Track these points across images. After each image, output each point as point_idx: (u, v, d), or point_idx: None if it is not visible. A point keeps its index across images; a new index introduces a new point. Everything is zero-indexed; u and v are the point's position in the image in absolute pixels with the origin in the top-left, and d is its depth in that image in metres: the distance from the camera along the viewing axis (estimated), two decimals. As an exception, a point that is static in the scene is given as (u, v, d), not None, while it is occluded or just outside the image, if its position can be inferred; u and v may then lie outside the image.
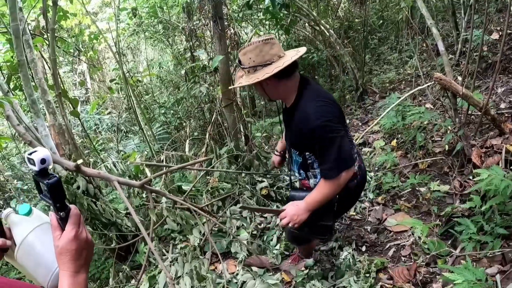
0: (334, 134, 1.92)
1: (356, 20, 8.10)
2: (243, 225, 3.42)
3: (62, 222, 0.99)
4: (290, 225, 2.13)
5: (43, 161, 0.96)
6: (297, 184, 2.66)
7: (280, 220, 2.18)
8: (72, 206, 1.01)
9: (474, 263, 2.38)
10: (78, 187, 3.29)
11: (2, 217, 1.15)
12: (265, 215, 3.54)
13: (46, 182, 0.96)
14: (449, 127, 3.74)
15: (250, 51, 1.99)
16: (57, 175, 0.98)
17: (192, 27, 5.70)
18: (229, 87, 3.10)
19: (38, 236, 1.05)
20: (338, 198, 2.15)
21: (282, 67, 1.92)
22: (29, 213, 1.07)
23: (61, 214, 0.98)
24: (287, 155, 2.60)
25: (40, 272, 1.04)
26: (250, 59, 1.99)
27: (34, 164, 0.95)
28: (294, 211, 2.12)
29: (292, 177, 2.58)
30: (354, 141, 2.46)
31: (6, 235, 1.11)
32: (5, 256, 1.13)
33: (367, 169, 3.94)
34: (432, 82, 3.63)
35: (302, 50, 2.05)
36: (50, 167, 0.99)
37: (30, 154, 0.96)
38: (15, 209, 1.11)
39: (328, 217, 2.20)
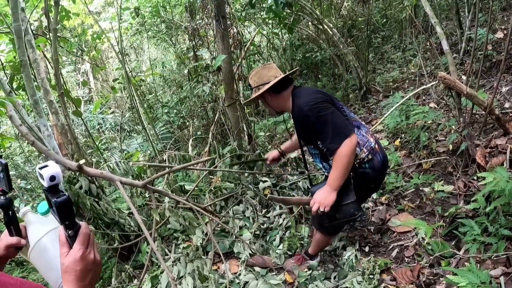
0: (323, 113, 2.21)
1: (360, 18, 8.07)
2: (245, 224, 3.41)
3: (71, 240, 0.96)
4: (320, 209, 2.26)
5: (52, 178, 0.93)
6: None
7: (311, 207, 2.32)
8: (82, 224, 0.98)
9: (478, 265, 2.35)
10: (81, 187, 3.29)
11: (20, 215, 1.15)
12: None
13: (54, 201, 0.93)
14: (453, 127, 3.72)
15: (254, 75, 2.56)
16: (66, 194, 0.95)
17: (195, 26, 5.69)
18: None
19: (52, 240, 1.04)
20: (354, 181, 2.35)
21: (272, 83, 2.44)
22: (46, 212, 1.06)
23: (69, 232, 0.95)
24: (300, 155, 2.98)
25: (51, 276, 1.04)
26: (254, 81, 2.55)
27: (43, 179, 0.93)
28: (321, 195, 2.28)
29: (318, 173, 2.90)
30: (363, 124, 2.54)
31: (22, 233, 1.12)
32: (20, 252, 1.14)
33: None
34: (436, 82, 3.61)
35: (295, 70, 2.75)
36: (61, 182, 0.96)
37: (41, 168, 0.93)
38: (33, 208, 1.10)
39: (347, 195, 2.34)
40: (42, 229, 1.01)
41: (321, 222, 2.56)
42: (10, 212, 1.09)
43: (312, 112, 2.22)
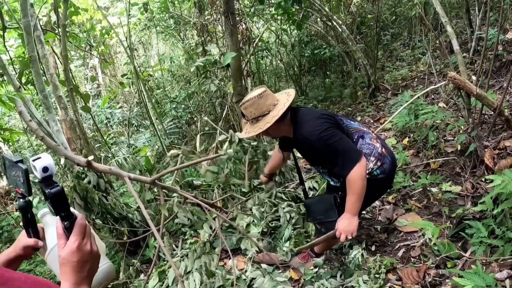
0: (331, 141, 2.17)
1: (369, 15, 8.03)
2: (253, 221, 3.41)
3: (68, 232, 0.96)
4: (348, 237, 2.28)
5: (45, 169, 0.93)
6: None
7: (339, 238, 2.33)
8: (78, 216, 0.98)
9: (484, 267, 2.35)
10: (89, 182, 3.32)
11: (39, 216, 1.18)
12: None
13: (48, 192, 0.93)
14: (462, 127, 3.70)
15: (250, 105, 2.32)
16: (60, 185, 0.95)
17: (204, 22, 5.69)
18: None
19: None
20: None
21: (278, 116, 2.26)
22: None
23: (65, 223, 0.95)
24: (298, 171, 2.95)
25: None
26: (251, 112, 2.34)
27: (37, 171, 0.94)
28: (345, 224, 2.28)
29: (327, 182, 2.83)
30: (366, 131, 2.53)
31: (40, 235, 1.15)
32: (38, 253, 1.17)
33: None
34: (446, 81, 3.58)
35: (292, 93, 2.40)
36: (54, 173, 0.96)
37: (34, 160, 0.94)
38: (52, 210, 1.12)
39: (334, 212, 2.44)
40: None
41: (328, 227, 2.56)
42: (29, 214, 1.12)
43: (319, 142, 2.20)
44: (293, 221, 3.28)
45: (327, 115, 2.35)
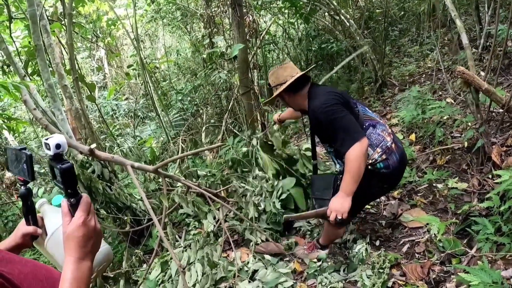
0: (335, 116, 2.23)
1: (377, 10, 7.95)
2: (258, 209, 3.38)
3: (73, 209, 0.99)
4: (338, 217, 2.26)
5: (58, 146, 0.97)
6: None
7: (329, 217, 2.32)
8: (83, 194, 1.01)
9: (489, 264, 2.32)
10: (94, 171, 3.32)
11: (37, 206, 1.21)
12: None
13: (59, 167, 0.97)
14: (470, 123, 3.66)
15: (271, 74, 2.60)
16: (70, 161, 0.98)
17: (211, 14, 5.66)
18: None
19: None
20: (366, 179, 2.30)
21: (287, 84, 2.48)
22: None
23: (72, 200, 0.98)
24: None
25: None
26: (272, 81, 2.59)
27: (49, 149, 0.97)
28: (337, 203, 2.27)
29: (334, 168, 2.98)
30: (380, 122, 2.51)
31: (38, 224, 1.18)
32: (34, 243, 1.19)
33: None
34: (452, 78, 3.54)
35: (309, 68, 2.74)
36: (65, 152, 1.00)
37: (47, 139, 0.97)
38: (49, 200, 1.13)
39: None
40: (59, 219, 1.03)
41: (321, 205, 2.57)
42: (29, 202, 1.15)
43: (325, 115, 2.26)
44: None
45: (338, 93, 2.41)
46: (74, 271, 0.93)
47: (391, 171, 2.40)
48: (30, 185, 1.14)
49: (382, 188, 2.58)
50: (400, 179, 2.67)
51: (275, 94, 2.59)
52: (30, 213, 1.16)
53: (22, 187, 1.11)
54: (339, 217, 2.25)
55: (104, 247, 1.11)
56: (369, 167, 2.35)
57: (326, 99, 2.32)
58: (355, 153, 2.13)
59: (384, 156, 2.37)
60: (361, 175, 2.19)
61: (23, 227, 1.16)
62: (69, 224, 0.97)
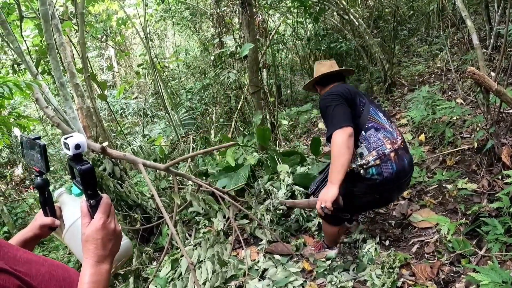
0: (329, 103, 2.35)
1: (386, 10, 7.93)
2: (268, 210, 3.40)
3: (93, 210, 0.97)
4: (322, 205, 2.28)
5: (77, 146, 0.95)
6: None
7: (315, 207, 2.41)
8: (104, 195, 0.99)
9: (499, 265, 2.32)
10: (105, 169, 3.36)
11: (55, 196, 1.19)
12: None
13: (79, 168, 0.95)
14: (480, 124, 3.64)
15: (314, 67, 2.84)
16: (90, 162, 0.97)
17: (220, 13, 5.69)
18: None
19: None
20: (355, 184, 2.43)
21: (314, 78, 2.76)
22: (81, 194, 1.06)
23: (91, 202, 0.97)
24: None
25: None
26: (315, 74, 2.79)
27: (68, 149, 0.95)
28: (323, 192, 2.31)
29: None
30: (386, 129, 2.46)
31: (57, 214, 1.16)
32: (53, 232, 1.17)
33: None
34: (462, 78, 3.53)
35: (336, 67, 2.77)
36: (85, 152, 0.98)
37: (66, 138, 0.96)
38: (68, 189, 1.12)
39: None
40: (78, 211, 1.01)
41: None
42: (46, 193, 1.12)
43: (323, 102, 2.43)
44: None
45: (347, 88, 2.52)
46: (92, 275, 0.91)
47: (383, 180, 2.34)
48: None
49: (373, 197, 2.48)
50: (395, 194, 2.64)
51: (306, 84, 2.90)
52: (47, 204, 1.13)
53: (38, 178, 1.08)
54: (323, 205, 2.26)
55: (124, 241, 1.08)
56: (361, 170, 2.37)
57: (332, 91, 2.49)
58: (335, 139, 2.21)
59: (378, 162, 2.33)
60: (345, 164, 2.21)
61: (40, 218, 1.14)
62: (88, 226, 0.95)
